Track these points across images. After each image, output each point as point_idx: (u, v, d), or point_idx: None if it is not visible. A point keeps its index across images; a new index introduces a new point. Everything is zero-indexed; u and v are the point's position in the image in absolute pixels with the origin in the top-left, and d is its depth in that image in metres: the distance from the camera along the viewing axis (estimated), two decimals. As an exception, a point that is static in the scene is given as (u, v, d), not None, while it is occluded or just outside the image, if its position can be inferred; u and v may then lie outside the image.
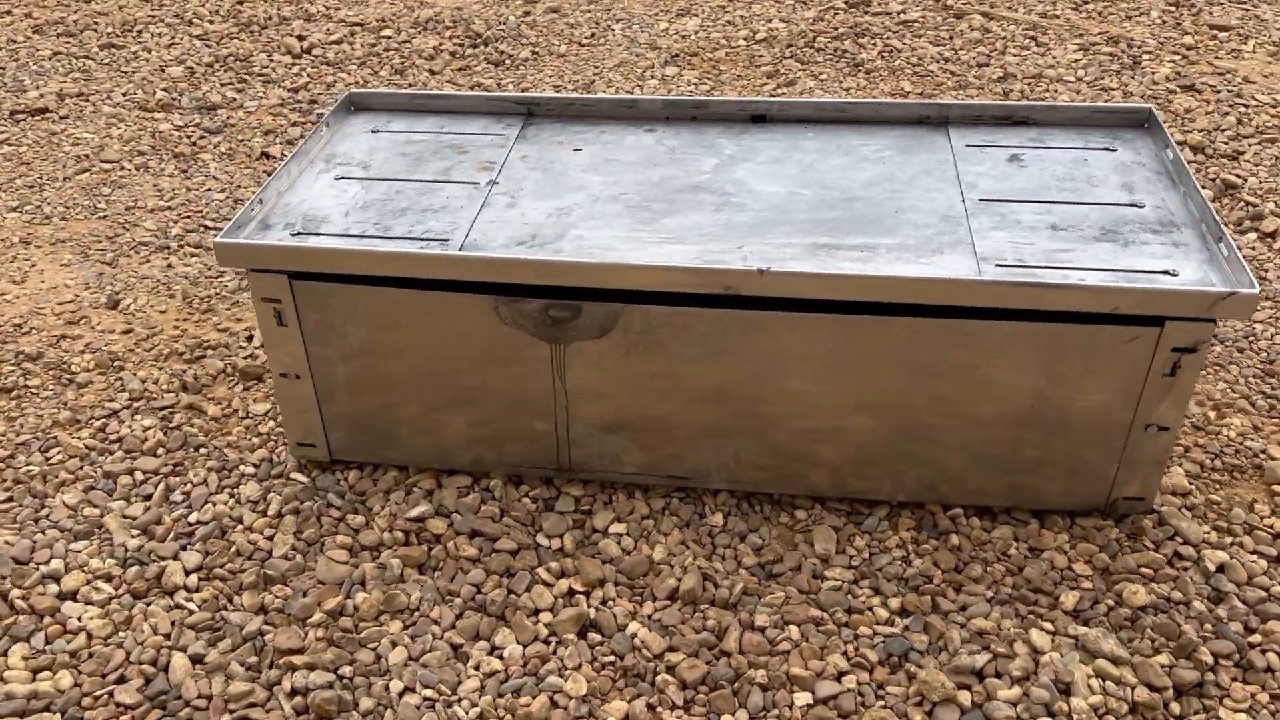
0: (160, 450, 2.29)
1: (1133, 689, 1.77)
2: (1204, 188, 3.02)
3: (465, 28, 3.95)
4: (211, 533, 2.09)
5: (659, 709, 1.78)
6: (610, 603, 1.95)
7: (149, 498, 2.18)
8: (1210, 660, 1.81)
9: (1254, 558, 2.00)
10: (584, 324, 1.98)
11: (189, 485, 2.21)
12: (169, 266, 2.88)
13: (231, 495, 2.18)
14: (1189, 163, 3.08)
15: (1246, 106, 3.37)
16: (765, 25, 3.94)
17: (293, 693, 1.79)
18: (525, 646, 1.88)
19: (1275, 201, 2.95)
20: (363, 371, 2.11)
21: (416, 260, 1.94)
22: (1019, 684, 1.78)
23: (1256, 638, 1.85)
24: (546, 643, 1.88)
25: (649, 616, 1.92)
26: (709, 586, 1.96)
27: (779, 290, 1.88)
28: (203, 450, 2.29)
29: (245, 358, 2.54)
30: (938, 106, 2.41)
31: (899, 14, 3.97)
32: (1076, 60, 3.65)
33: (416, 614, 1.93)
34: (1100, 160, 2.25)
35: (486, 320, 2.00)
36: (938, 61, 3.67)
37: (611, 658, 1.86)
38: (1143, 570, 1.98)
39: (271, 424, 2.36)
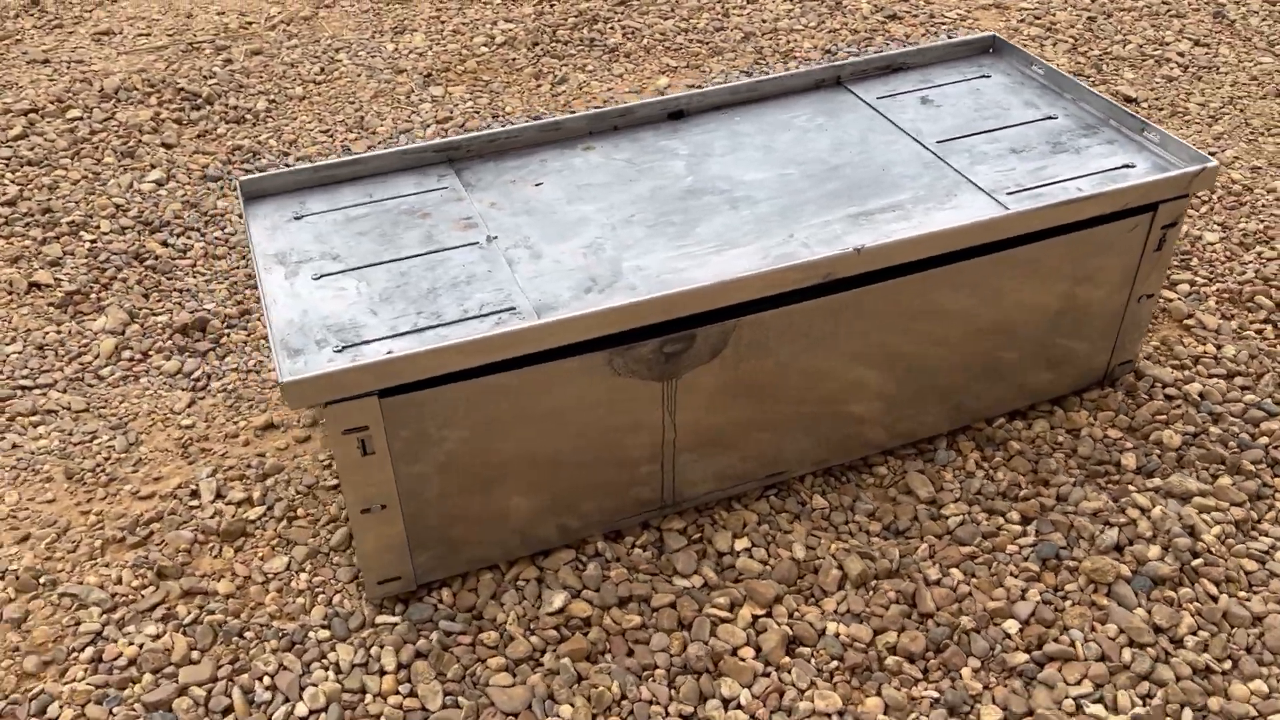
0: (196, 654, 1.87)
1: (1227, 509, 2.10)
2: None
3: (173, 90, 3.46)
4: (342, 718, 1.76)
5: (906, 689, 1.81)
6: (796, 614, 1.93)
7: (228, 711, 1.78)
8: (1252, 468, 2.19)
9: (1214, 380, 2.42)
10: (697, 351, 1.91)
11: (267, 678, 1.83)
12: (13, 448, 2.29)
13: (329, 669, 1.84)
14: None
15: (942, 24, 3.88)
16: (495, 29, 3.85)
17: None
18: (752, 687, 1.81)
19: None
20: (459, 477, 1.87)
21: (533, 334, 1.75)
22: (1154, 542, 2.04)
23: (1263, 439, 2.26)
24: (768, 674, 1.83)
25: (836, 612, 1.94)
26: (867, 563, 2.00)
27: (876, 263, 1.94)
28: (249, 634, 1.90)
29: (212, 516, 2.12)
30: (832, 69, 2.55)
31: None
32: (789, 10, 3.98)
33: (629, 702, 1.79)
34: (989, 87, 2.53)
35: (598, 377, 1.86)
36: (682, 33, 3.82)
37: (834, 663, 1.85)
38: (1158, 418, 2.32)
39: (305, 575, 2.00)
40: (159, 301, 2.69)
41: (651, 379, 1.91)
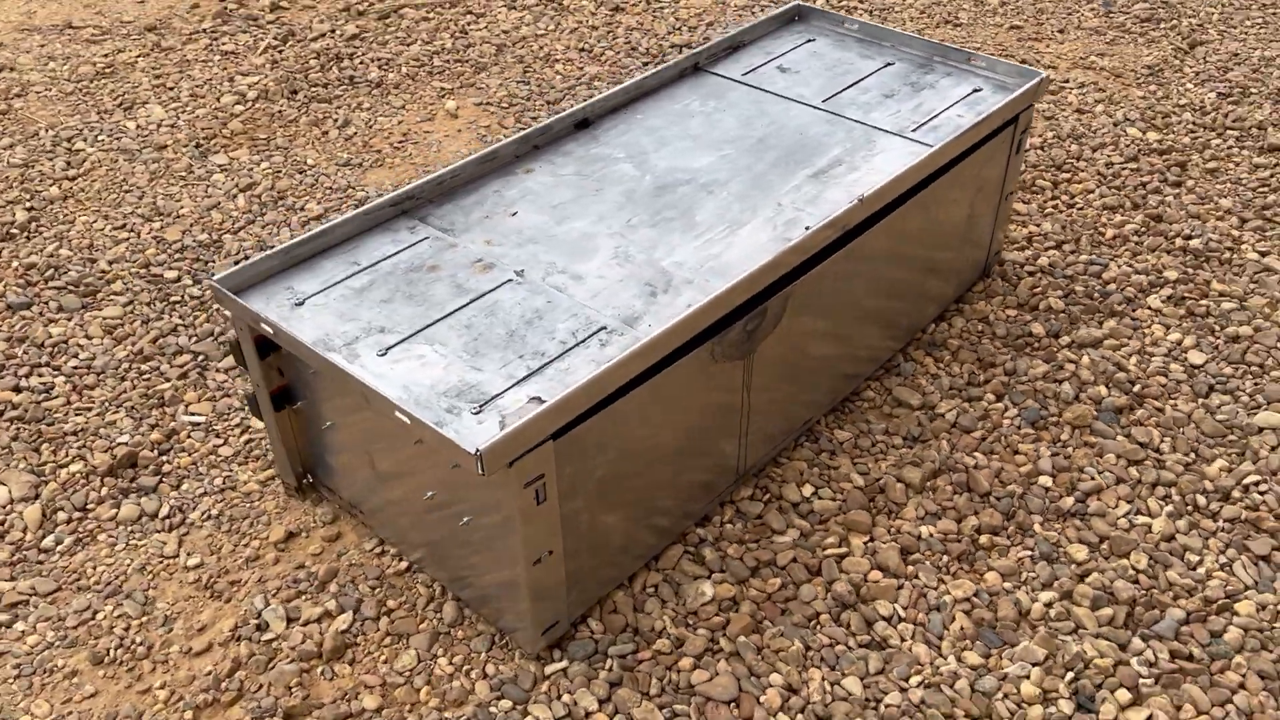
0: (393, 773, 1.73)
1: (1127, 341, 2.60)
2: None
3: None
4: (583, 767, 1.73)
5: (1005, 556, 2.11)
6: (891, 529, 2.15)
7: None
8: (1119, 307, 2.72)
9: (1050, 252, 2.93)
10: (767, 324, 2.04)
11: (482, 765, 1.74)
12: (2, 655, 1.91)
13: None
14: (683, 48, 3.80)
15: (662, 7, 4.18)
16: (238, 86, 3.61)
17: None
18: (898, 600, 2.01)
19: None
20: (603, 503, 1.87)
21: (663, 340, 1.81)
22: (1098, 384, 2.49)
23: (1111, 285, 2.80)
24: (903, 586, 2.04)
25: (918, 516, 2.18)
26: (915, 469, 2.27)
27: (873, 208, 2.18)
28: (431, 734, 1.79)
29: (302, 641, 1.92)
30: (690, 57, 2.75)
31: (340, 32, 3.92)
32: (521, 18, 4.08)
33: (815, 651, 1.92)
34: (823, 49, 2.85)
35: (700, 369, 1.94)
36: (435, 56, 3.79)
37: (944, 557, 2.10)
38: (1035, 291, 2.79)
39: (443, 660, 1.90)
40: (57, 452, 2.32)
41: (737, 358, 2.02)
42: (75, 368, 2.54)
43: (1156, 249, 2.94)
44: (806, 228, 2.14)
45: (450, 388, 1.77)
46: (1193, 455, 2.32)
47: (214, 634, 1.96)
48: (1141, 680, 1.87)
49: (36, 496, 2.22)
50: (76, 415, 2.42)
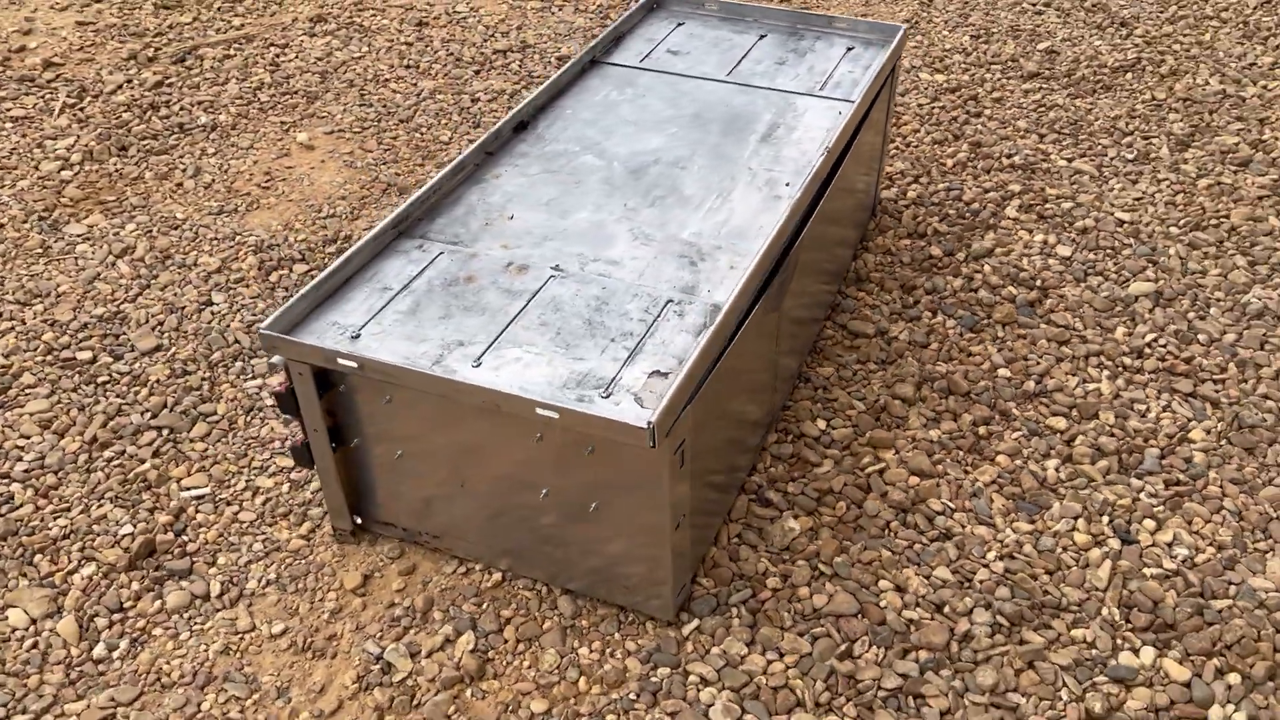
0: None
1: (1020, 241, 3.00)
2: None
3: None
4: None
5: (1008, 439, 2.41)
6: (904, 439, 2.39)
7: None
8: (992, 218, 3.12)
9: (912, 186, 3.30)
10: (786, 275, 2.21)
11: (673, 729, 1.80)
12: None
13: (723, 689, 1.87)
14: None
15: (462, 14, 4.21)
16: (54, 151, 3.30)
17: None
18: (942, 495, 2.26)
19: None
20: (702, 462, 1.98)
21: (740, 301, 1.93)
22: (1010, 284, 2.86)
23: (975, 202, 3.20)
24: (939, 483, 2.29)
25: (924, 423, 2.44)
26: (905, 385, 2.52)
27: (834, 156, 2.40)
28: (632, 715, 1.82)
29: (439, 671, 1.88)
30: (588, 53, 2.85)
31: (140, 81, 3.64)
32: (326, 44, 3.97)
33: (900, 555, 2.13)
34: (696, 29, 3.04)
35: (757, 323, 2.08)
36: (257, 91, 3.62)
37: (960, 452, 2.37)
38: (915, 220, 3.14)
39: (585, 650, 1.93)
40: (57, 560, 2.09)
41: (774, 311, 2.18)
42: (27, 471, 2.28)
43: (991, 169, 3.39)
44: (787, 184, 2.33)
45: (565, 380, 1.81)
46: (1099, 327, 2.74)
47: (338, 691, 1.88)
48: (1155, 509, 2.23)
49: (59, 610, 2.00)
50: (57, 519, 2.18)
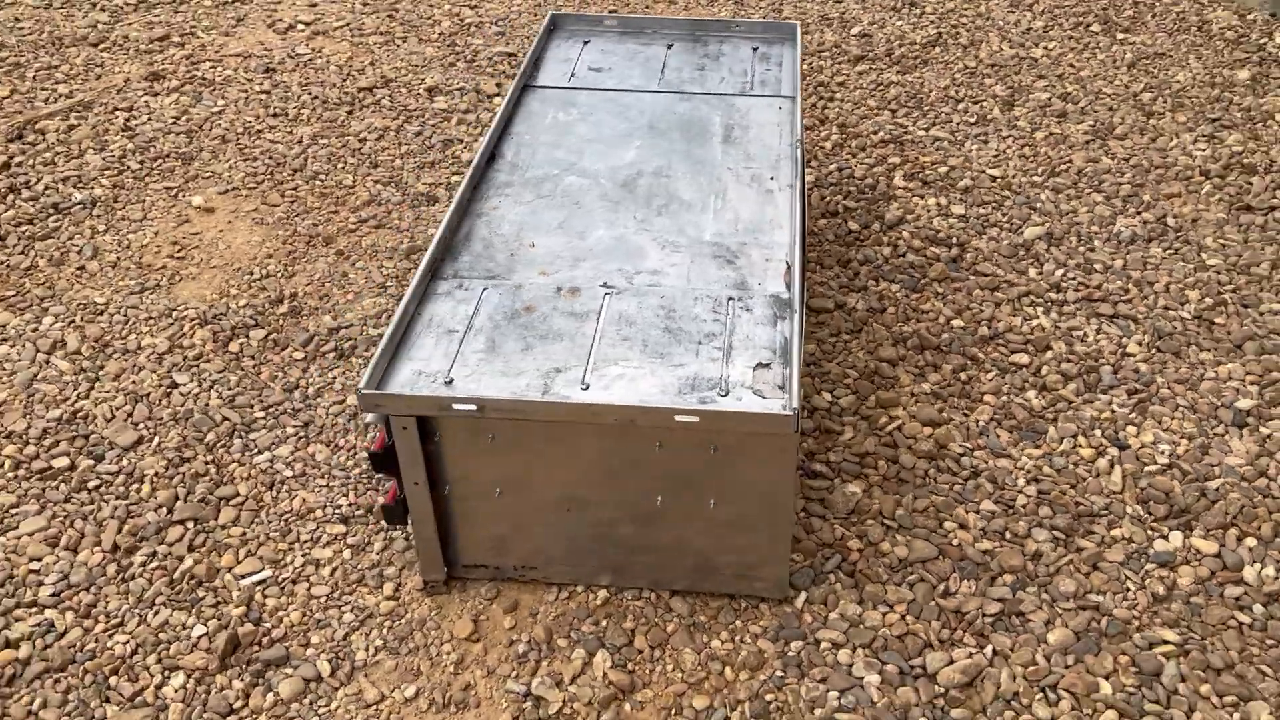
0: None
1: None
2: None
3: None
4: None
5: (1005, 359, 2.68)
6: (919, 381, 2.61)
7: None
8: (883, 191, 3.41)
9: (826, 142, 3.54)
10: (804, 262, 2.36)
11: None
12: None
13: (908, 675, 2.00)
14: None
15: (317, 61, 4.08)
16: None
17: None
18: (981, 416, 2.49)
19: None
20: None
21: (798, 284, 2.04)
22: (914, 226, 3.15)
23: (867, 166, 3.48)
24: (968, 415, 2.52)
25: (918, 374, 2.66)
26: (884, 345, 2.74)
27: (799, 147, 2.57)
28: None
29: (598, 712, 1.89)
30: (521, 80, 2.88)
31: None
32: (172, 105, 3.74)
33: (950, 496, 2.33)
34: (605, 45, 3.13)
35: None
36: (125, 158, 3.37)
37: (976, 369, 2.62)
38: (834, 196, 3.37)
39: (716, 646, 2.00)
40: (138, 678, 1.94)
41: (806, 296, 2.32)
42: (56, 594, 2.08)
43: (865, 146, 3.68)
44: (771, 179, 2.49)
45: (678, 386, 1.89)
46: (1015, 271, 3.07)
47: (499, 737, 1.87)
48: (1129, 417, 2.55)
49: (164, 727, 1.86)
50: (113, 636, 2.01)
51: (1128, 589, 2.14)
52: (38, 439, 2.42)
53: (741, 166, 2.55)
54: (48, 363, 2.62)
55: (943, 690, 1.95)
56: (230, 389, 2.57)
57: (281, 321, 2.79)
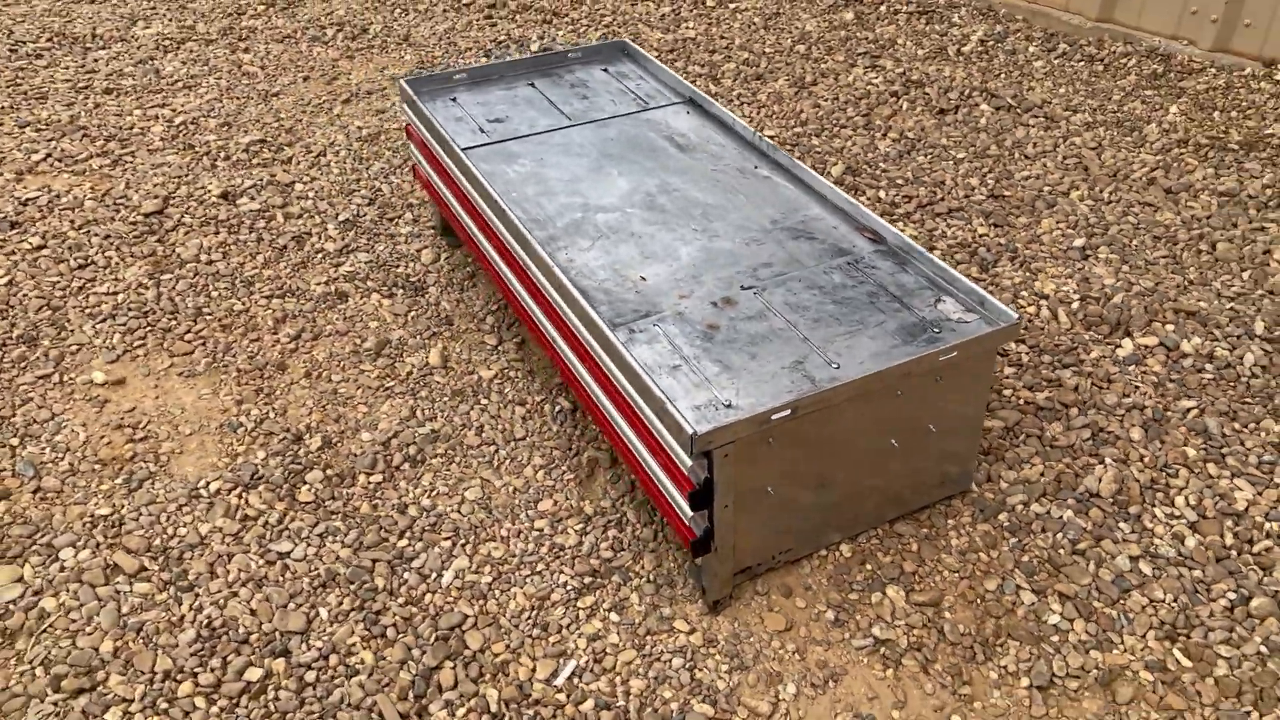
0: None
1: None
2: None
3: None
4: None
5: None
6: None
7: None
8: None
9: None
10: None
11: (1055, 536, 2.36)
12: None
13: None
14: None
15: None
16: None
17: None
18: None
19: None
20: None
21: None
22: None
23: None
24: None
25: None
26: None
27: (769, 143, 2.91)
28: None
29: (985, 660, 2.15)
30: (443, 145, 2.87)
31: None
32: (171, 161, 3.08)
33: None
34: (479, 98, 3.19)
35: (870, 260, 2.58)
36: (92, 226, 2.76)
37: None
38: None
39: (956, 542, 2.35)
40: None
41: (847, 251, 2.68)
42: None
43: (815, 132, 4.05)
44: (755, 167, 2.80)
45: (901, 337, 2.19)
46: (996, 225, 3.66)
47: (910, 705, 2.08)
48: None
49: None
50: (494, 788, 1.88)
51: None
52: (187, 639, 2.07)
53: (728, 165, 2.83)
54: (131, 589, 2.21)
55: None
56: (354, 531, 2.36)
57: (323, 455, 2.57)
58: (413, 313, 3.07)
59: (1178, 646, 2.13)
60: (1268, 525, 2.36)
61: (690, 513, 2.05)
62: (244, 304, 3.08)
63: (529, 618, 2.21)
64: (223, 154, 3.87)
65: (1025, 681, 2.08)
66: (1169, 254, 3.35)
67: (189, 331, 2.96)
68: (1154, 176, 3.78)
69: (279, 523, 2.39)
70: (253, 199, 3.57)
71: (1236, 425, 2.66)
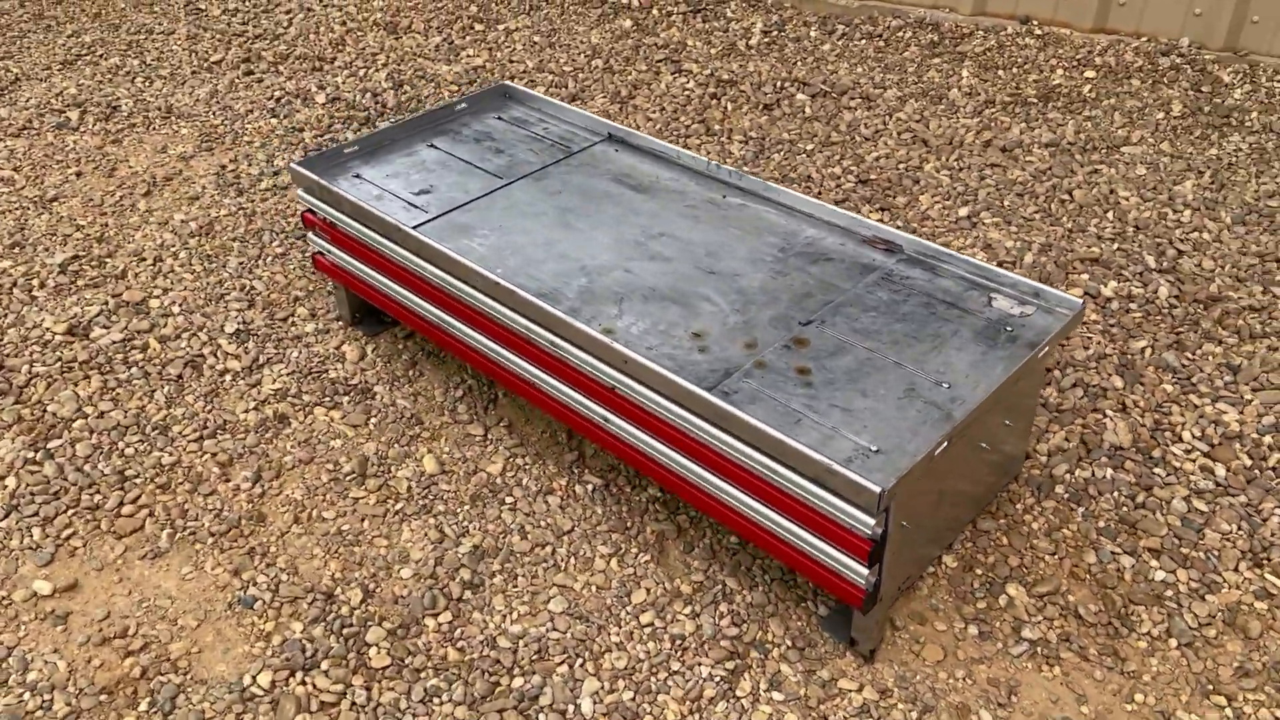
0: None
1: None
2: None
3: None
4: (1094, 449, 2.61)
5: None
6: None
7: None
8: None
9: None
10: (817, 240, 2.67)
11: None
12: None
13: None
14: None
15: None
16: None
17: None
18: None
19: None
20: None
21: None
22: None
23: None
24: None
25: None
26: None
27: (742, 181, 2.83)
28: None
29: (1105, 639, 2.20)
30: (388, 232, 2.56)
31: None
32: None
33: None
34: (386, 171, 2.87)
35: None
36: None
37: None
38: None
39: (1038, 523, 2.42)
40: None
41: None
42: None
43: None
44: (724, 196, 2.72)
45: (988, 343, 2.20)
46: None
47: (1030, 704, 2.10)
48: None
49: None
50: None
51: None
52: None
53: (689, 200, 2.72)
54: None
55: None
56: (458, 685, 2.06)
57: (370, 608, 2.23)
58: (373, 420, 2.73)
59: (1268, 570, 2.32)
60: (1265, 440, 2.62)
61: (865, 571, 1.96)
62: (172, 454, 2.60)
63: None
64: (35, 282, 3.24)
65: (1173, 643, 2.18)
66: (1041, 209, 3.62)
67: (124, 503, 2.46)
68: (986, 139, 4.06)
69: (369, 701, 2.04)
70: (107, 328, 3.02)
71: (1187, 355, 2.92)
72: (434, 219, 2.66)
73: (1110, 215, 3.56)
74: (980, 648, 2.18)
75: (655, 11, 5.39)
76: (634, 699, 2.07)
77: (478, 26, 5.31)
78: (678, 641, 2.18)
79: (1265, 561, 2.33)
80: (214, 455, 2.61)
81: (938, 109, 4.33)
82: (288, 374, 2.87)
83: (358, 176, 2.85)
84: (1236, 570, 2.31)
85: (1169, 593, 2.27)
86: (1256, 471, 2.54)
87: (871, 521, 1.89)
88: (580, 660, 2.14)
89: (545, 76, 4.66)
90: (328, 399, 2.79)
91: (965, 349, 2.21)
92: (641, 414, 2.21)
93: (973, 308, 2.33)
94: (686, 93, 4.51)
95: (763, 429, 1.96)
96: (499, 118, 3.15)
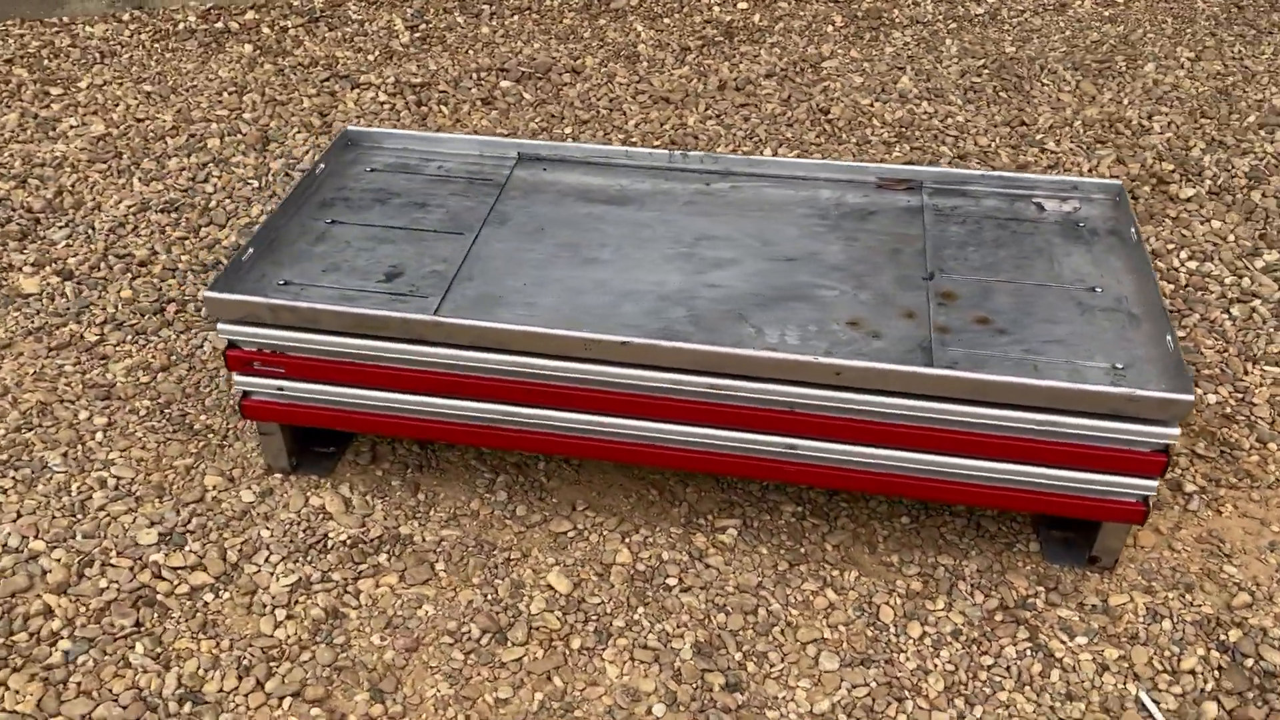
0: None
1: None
2: None
3: None
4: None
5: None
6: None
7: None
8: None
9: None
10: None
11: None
12: None
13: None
14: None
15: None
16: None
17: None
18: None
19: None
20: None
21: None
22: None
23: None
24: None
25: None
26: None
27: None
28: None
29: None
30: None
31: None
32: None
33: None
34: (351, 211, 2.21)
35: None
36: None
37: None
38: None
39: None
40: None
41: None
42: None
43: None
44: (736, 186, 2.49)
45: (1116, 257, 2.28)
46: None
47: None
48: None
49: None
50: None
51: None
52: None
53: (685, 199, 2.47)
54: None
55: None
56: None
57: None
58: (439, 566, 2.16)
59: None
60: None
61: (1155, 484, 1.98)
62: (238, 722, 1.85)
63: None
64: None
65: None
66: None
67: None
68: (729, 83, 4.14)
69: None
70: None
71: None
72: (444, 299, 2.13)
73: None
74: (1171, 517, 2.31)
75: (267, 30, 4.68)
76: (982, 713, 1.92)
77: (54, 90, 4.24)
78: (961, 637, 2.05)
79: None
80: (296, 696, 1.90)
81: (638, 67, 4.30)
82: (284, 562, 2.16)
83: (285, 284, 2.18)
84: None
85: None
86: None
87: (1176, 432, 1.90)
88: (899, 706, 1.93)
89: (203, 128, 3.86)
90: (365, 567, 2.15)
91: (1072, 254, 2.28)
92: (851, 424, 2.00)
93: (1032, 215, 2.40)
94: (387, 106, 4.02)
95: (1043, 384, 1.89)
96: (373, 170, 2.57)
